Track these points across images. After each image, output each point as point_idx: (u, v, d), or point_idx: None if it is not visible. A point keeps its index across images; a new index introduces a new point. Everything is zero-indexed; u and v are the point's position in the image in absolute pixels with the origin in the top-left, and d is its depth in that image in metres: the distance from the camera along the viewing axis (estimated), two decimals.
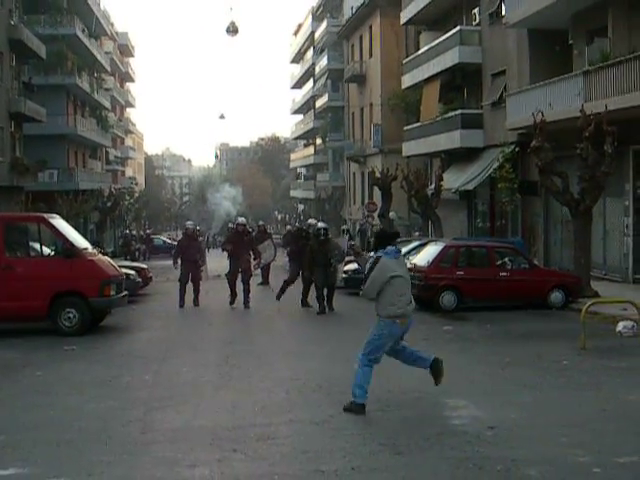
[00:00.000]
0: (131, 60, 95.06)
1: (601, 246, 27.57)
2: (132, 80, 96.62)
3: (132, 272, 24.98)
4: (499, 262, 21.28)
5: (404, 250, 26.37)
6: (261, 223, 32.87)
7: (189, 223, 25.72)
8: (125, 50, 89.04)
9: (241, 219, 24.52)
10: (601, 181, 21.80)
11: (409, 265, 21.57)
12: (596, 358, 13.38)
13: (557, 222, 32.27)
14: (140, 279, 25.94)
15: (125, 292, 18.67)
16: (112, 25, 78.05)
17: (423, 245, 25.82)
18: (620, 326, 16.16)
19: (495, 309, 20.61)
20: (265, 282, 29.82)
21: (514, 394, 10.68)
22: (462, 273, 20.62)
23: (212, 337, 16.57)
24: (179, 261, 23.82)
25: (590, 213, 22.38)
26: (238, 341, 15.96)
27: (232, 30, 32.60)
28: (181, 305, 22.72)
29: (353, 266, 24.28)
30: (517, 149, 31.42)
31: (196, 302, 22.89)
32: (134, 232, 57.45)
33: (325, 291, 21.00)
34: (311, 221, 22.47)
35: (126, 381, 11.91)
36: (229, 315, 21.27)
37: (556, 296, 20.87)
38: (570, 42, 30.32)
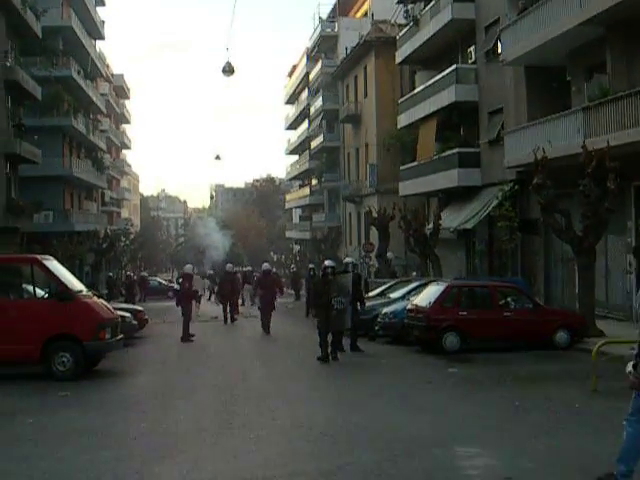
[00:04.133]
0: (127, 102, 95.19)
1: (603, 284, 27.10)
2: (128, 122, 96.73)
3: (128, 314, 24.50)
4: (502, 302, 20.86)
5: (404, 291, 26.10)
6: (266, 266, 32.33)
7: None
8: (121, 92, 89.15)
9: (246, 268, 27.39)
10: (604, 218, 21.45)
11: (410, 306, 21.25)
12: (609, 400, 12.87)
13: (558, 260, 31.89)
14: (136, 322, 25.45)
15: (121, 335, 18.17)
16: (108, 67, 78.21)
17: (423, 285, 25.39)
18: (630, 367, 15.64)
19: (499, 350, 20.15)
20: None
21: (528, 440, 10.20)
22: (465, 314, 20.16)
23: (209, 382, 15.98)
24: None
25: (594, 251, 22.01)
26: (236, 386, 15.41)
27: (228, 70, 32.35)
28: None
29: (390, 308, 23.63)
30: (516, 187, 31.09)
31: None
32: (129, 273, 56.82)
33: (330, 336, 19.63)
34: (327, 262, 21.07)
35: (121, 429, 11.38)
36: (227, 357, 20.76)
37: (561, 336, 20.41)
38: (568, 79, 30.17)
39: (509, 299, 21.03)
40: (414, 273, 43.34)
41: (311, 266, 43.67)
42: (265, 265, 31.97)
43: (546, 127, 29.00)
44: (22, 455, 9.89)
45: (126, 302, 40.68)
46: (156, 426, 11.49)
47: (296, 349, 22.32)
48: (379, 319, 23.58)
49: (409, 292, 25.69)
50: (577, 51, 28.95)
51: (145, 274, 63.83)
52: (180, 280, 27.51)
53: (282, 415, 12.11)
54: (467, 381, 15.37)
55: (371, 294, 29.58)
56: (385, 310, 23.57)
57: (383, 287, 29.48)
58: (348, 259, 25.02)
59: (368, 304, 25.10)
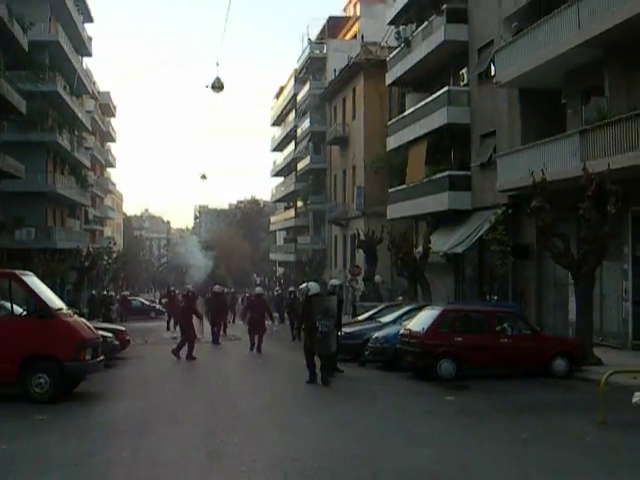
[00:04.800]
0: (112, 120, 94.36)
1: (597, 311, 26.45)
2: (113, 140, 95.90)
3: (109, 334, 23.67)
4: (499, 328, 20.14)
5: (395, 315, 25.37)
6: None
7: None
8: (106, 110, 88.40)
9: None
10: (605, 243, 20.84)
11: (403, 331, 20.51)
12: (621, 434, 12.20)
13: (550, 285, 31.32)
14: (118, 342, 24.60)
15: (102, 357, 17.32)
16: (94, 84, 77.48)
17: (415, 310, 24.69)
18: (637, 397, 14.95)
19: (495, 377, 19.42)
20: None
21: (537, 478, 9.42)
22: (461, 339, 19.38)
23: (195, 407, 15.10)
24: None
25: (593, 276, 21.37)
26: (223, 412, 14.51)
27: (217, 86, 31.76)
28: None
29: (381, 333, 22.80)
30: (510, 211, 30.49)
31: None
32: (105, 292, 55.72)
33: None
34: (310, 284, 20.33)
35: (102, 458, 10.50)
36: (213, 381, 19.92)
37: (559, 364, 19.68)
38: (563, 101, 29.70)
39: (506, 325, 20.31)
40: (400, 297, 42.75)
41: (291, 289, 43.17)
42: (258, 289, 35.00)
43: (541, 150, 28.48)
44: None
45: (104, 321, 39.79)
46: (139, 455, 10.63)
47: (284, 373, 21.63)
48: (370, 344, 22.81)
49: (400, 316, 24.94)
50: (573, 73, 28.49)
51: (126, 293, 62.99)
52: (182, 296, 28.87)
53: (274, 445, 11.28)
54: (467, 410, 14.59)
55: (360, 318, 28.92)
56: (376, 335, 22.79)
57: (372, 311, 28.75)
58: (334, 281, 24.12)
59: (357, 328, 24.53)
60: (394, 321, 24.51)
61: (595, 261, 21.01)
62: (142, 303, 64.02)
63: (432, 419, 13.62)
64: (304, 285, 20.47)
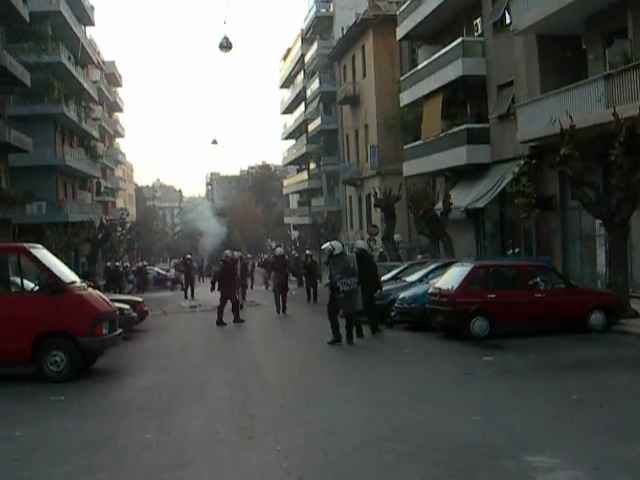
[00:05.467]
0: (119, 89, 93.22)
1: (629, 262, 25.57)
2: (120, 110, 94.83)
3: (126, 306, 22.93)
4: (532, 283, 19.22)
5: (420, 274, 24.51)
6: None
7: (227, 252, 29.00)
8: (113, 79, 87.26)
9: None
10: (638, 190, 19.85)
11: (432, 290, 19.67)
12: None
13: (576, 238, 30.40)
14: (135, 314, 23.81)
15: (119, 330, 16.55)
16: (99, 54, 76.42)
17: (441, 267, 23.83)
18: None
19: (530, 335, 18.58)
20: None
21: (610, 444, 8.58)
22: (494, 296, 18.48)
23: (220, 379, 14.23)
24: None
25: (627, 226, 20.37)
26: (251, 383, 13.69)
27: (226, 46, 30.69)
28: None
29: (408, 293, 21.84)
30: (534, 161, 29.43)
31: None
32: (119, 264, 54.82)
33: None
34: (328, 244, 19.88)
35: (123, 442, 9.68)
36: (237, 349, 19.16)
37: (597, 318, 18.79)
38: (584, 47, 28.56)
39: (538, 279, 19.39)
40: (419, 256, 41.96)
41: (308, 252, 42.42)
42: (278, 250, 35.66)
43: (563, 97, 27.41)
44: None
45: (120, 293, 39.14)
46: (163, 436, 9.82)
47: (309, 336, 20.82)
48: (396, 304, 21.95)
49: (426, 275, 24.12)
50: (594, 17, 27.34)
51: (142, 264, 62.43)
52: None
53: (308, 419, 10.45)
54: (508, 371, 13.72)
55: (383, 278, 28.01)
56: (403, 295, 21.91)
57: (395, 271, 27.86)
58: (360, 242, 23.56)
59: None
60: (420, 280, 23.67)
61: (629, 209, 20.00)
62: (158, 273, 63.39)
63: (473, 382, 12.77)
64: (327, 244, 19.74)
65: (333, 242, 19.94)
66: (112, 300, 17.97)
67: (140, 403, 12.22)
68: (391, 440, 8.95)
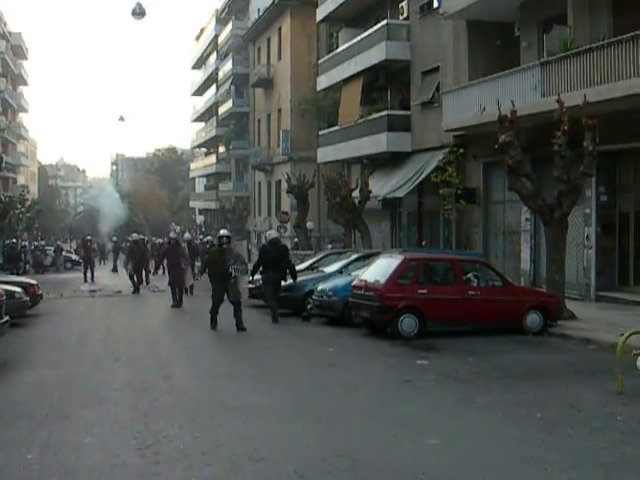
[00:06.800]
0: (25, 62, 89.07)
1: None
2: (25, 83, 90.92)
3: (18, 289, 20.67)
4: (465, 278, 17.73)
5: (340, 264, 22.92)
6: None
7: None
8: (18, 51, 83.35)
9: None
10: (580, 183, 18.60)
11: (356, 282, 18.06)
12: None
13: (498, 233, 29.41)
14: (28, 297, 21.48)
15: (5, 318, 14.42)
16: (5, 24, 72.67)
17: (362, 259, 22.28)
18: None
19: (459, 334, 17.18)
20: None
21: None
22: (425, 292, 16.90)
23: (120, 380, 12.20)
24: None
25: (566, 221, 19.07)
26: (156, 386, 11.69)
27: (139, 12, 28.45)
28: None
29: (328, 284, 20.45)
30: (461, 150, 28.10)
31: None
32: (15, 242, 51.67)
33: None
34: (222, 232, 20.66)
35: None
36: (139, 342, 17.08)
37: (533, 319, 17.37)
38: (517, 34, 27.39)
39: (472, 275, 17.90)
40: (329, 245, 40.68)
41: (208, 238, 41.13)
42: (172, 234, 31.32)
43: (493, 85, 26.32)
44: None
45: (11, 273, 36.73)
46: (48, 457, 7.76)
47: (219, 328, 18.86)
48: (315, 296, 20.26)
49: (345, 266, 22.53)
50: (530, 2, 26.21)
51: (37, 243, 59.57)
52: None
53: (227, 438, 8.50)
54: (450, 378, 12.06)
55: (298, 268, 26.30)
56: (322, 286, 20.17)
57: (311, 260, 26.20)
58: (272, 232, 23.44)
59: (298, 280, 22.06)
60: (340, 271, 22.05)
61: (570, 204, 18.71)
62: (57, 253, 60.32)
63: (414, 391, 11.11)
64: (270, 232, 21.51)
65: (222, 231, 20.80)
66: (1, 282, 15.81)
67: (25, 408, 10.09)
68: (335, 472, 7.20)
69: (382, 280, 17.04)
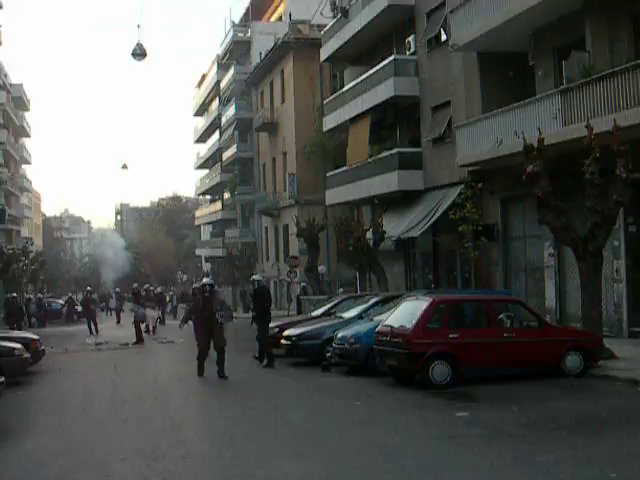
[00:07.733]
0: (27, 114, 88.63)
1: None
2: (27, 135, 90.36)
3: (18, 345, 19.42)
4: (499, 319, 16.46)
5: (359, 309, 21.77)
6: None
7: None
8: (20, 103, 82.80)
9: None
10: (613, 214, 17.41)
11: (380, 328, 16.82)
12: None
13: (519, 270, 28.25)
14: (29, 354, 20.19)
15: (1, 379, 13.21)
16: (6, 76, 72.28)
17: (383, 302, 21.10)
18: None
19: (496, 380, 15.82)
20: None
21: None
22: (457, 336, 15.64)
23: (129, 446, 10.86)
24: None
25: (601, 254, 17.86)
26: (168, 453, 10.34)
27: (139, 53, 27.64)
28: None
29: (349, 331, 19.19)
30: (480, 185, 26.95)
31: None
32: (16, 295, 50.53)
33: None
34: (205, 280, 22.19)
35: None
36: (147, 402, 15.78)
37: (573, 360, 16.07)
38: (531, 63, 26.41)
39: (503, 316, 16.64)
40: (340, 289, 39.66)
41: (195, 285, 40.70)
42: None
43: (510, 117, 25.25)
44: None
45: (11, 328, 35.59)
46: None
47: (236, 385, 17.58)
48: (335, 344, 18.97)
49: (365, 310, 21.26)
50: (542, 30, 25.38)
51: (42, 295, 58.62)
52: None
53: None
54: (498, 432, 10.75)
55: (314, 314, 25.08)
56: (342, 333, 18.90)
57: (328, 305, 24.95)
58: (256, 276, 24.17)
59: (315, 326, 21.21)
60: (360, 316, 20.78)
61: (604, 235, 17.52)
62: (62, 305, 59.27)
63: (462, 451, 9.79)
64: (255, 276, 22.18)
65: (205, 279, 22.65)
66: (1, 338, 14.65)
67: None
68: None
69: (409, 325, 15.76)
